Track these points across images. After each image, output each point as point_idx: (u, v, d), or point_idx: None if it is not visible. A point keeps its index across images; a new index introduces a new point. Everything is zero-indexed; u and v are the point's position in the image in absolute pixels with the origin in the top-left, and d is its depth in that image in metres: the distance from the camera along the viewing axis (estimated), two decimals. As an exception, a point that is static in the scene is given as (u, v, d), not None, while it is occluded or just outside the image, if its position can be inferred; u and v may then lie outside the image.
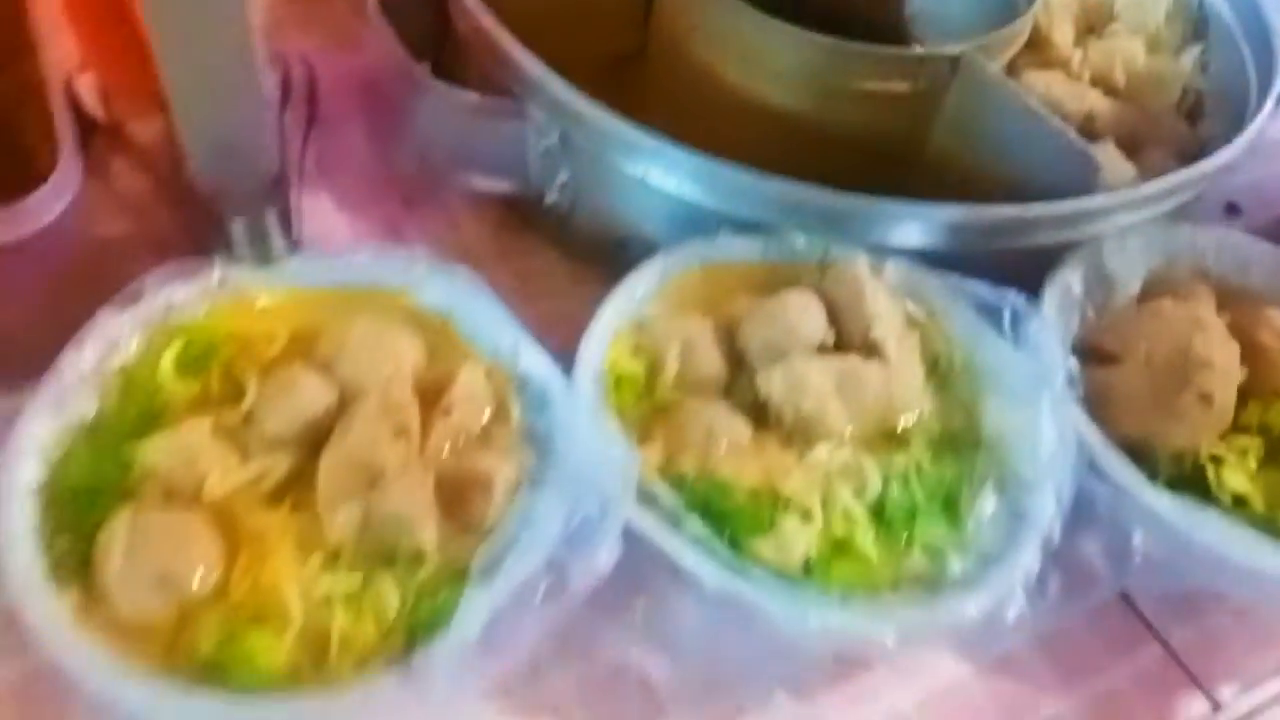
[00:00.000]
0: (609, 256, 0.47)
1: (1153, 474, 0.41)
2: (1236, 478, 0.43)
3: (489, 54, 0.50)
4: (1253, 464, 0.44)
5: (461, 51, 0.53)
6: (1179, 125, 0.61)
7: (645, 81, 0.59)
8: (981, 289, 0.43)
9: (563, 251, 0.54)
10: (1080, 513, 0.40)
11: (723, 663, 0.39)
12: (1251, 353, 0.45)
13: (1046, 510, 0.38)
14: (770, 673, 0.39)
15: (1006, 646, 0.39)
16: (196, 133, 0.40)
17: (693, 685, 0.40)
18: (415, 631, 0.34)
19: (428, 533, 0.35)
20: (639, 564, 0.37)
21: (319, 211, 0.53)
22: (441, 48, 0.54)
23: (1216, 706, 0.43)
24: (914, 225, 0.46)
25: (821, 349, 0.42)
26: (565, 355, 0.40)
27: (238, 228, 0.41)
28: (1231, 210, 0.63)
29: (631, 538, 0.36)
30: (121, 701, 0.31)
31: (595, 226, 0.51)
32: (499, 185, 0.52)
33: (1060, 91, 0.59)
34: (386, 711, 0.33)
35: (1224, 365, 0.43)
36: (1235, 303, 0.47)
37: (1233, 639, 0.45)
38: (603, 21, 0.60)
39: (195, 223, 0.41)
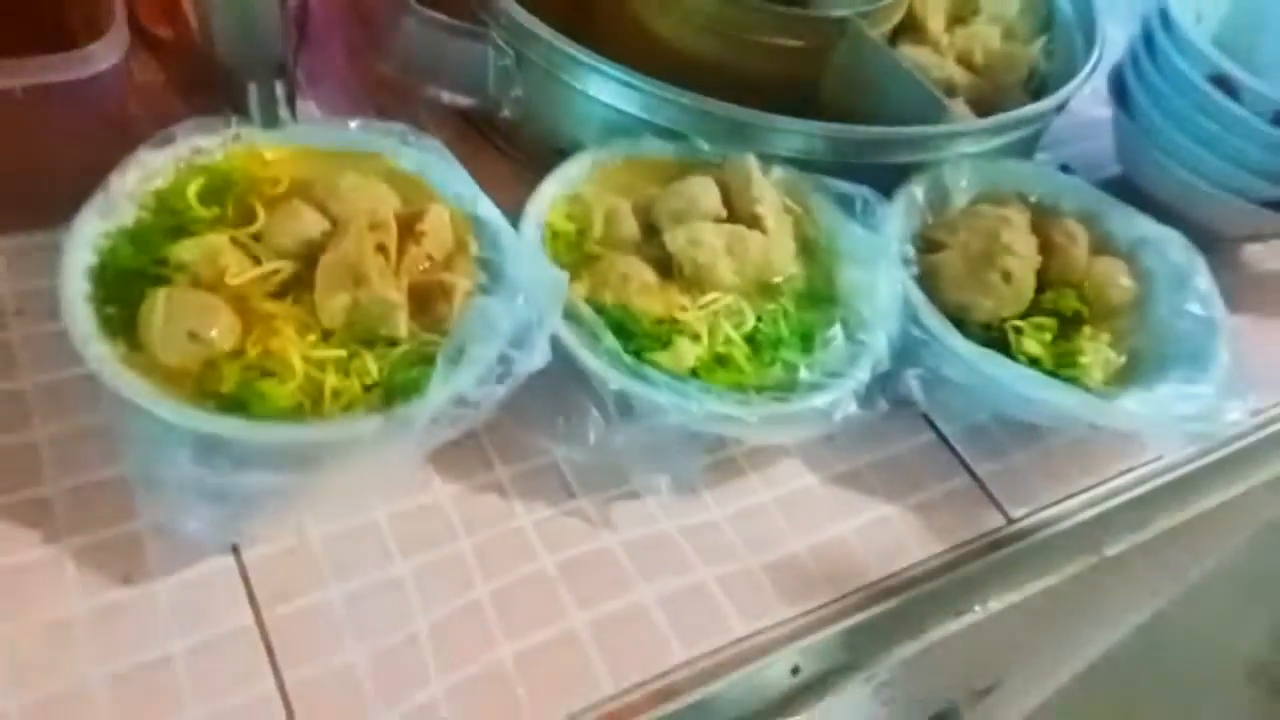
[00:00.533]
0: (551, 162, 0.58)
1: (968, 336, 0.54)
2: (1032, 344, 0.56)
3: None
4: (1047, 337, 0.57)
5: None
6: (1023, 98, 0.74)
7: (590, 29, 0.70)
8: (841, 184, 0.55)
9: (512, 157, 0.64)
10: (907, 354, 0.52)
11: (622, 456, 0.49)
12: (1048, 250, 0.58)
13: (880, 343, 0.50)
14: (659, 465, 0.50)
15: (837, 433, 0.50)
16: (224, 18, 0.49)
17: (599, 473, 0.50)
18: (393, 395, 0.44)
19: (401, 323, 0.45)
20: (563, 389, 0.48)
21: (304, 117, 0.63)
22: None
23: (1009, 520, 0.55)
24: (797, 138, 0.58)
25: (716, 219, 0.53)
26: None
27: (251, 94, 0.51)
28: (1065, 170, 0.76)
29: (557, 366, 0.46)
30: (163, 418, 0.41)
31: (541, 135, 0.62)
32: (461, 99, 0.63)
33: (927, 61, 0.72)
34: (369, 448, 0.43)
35: (1023, 251, 0.55)
36: (1043, 216, 0.60)
37: (1028, 474, 0.57)
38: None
39: (216, 90, 0.51)
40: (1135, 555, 0.72)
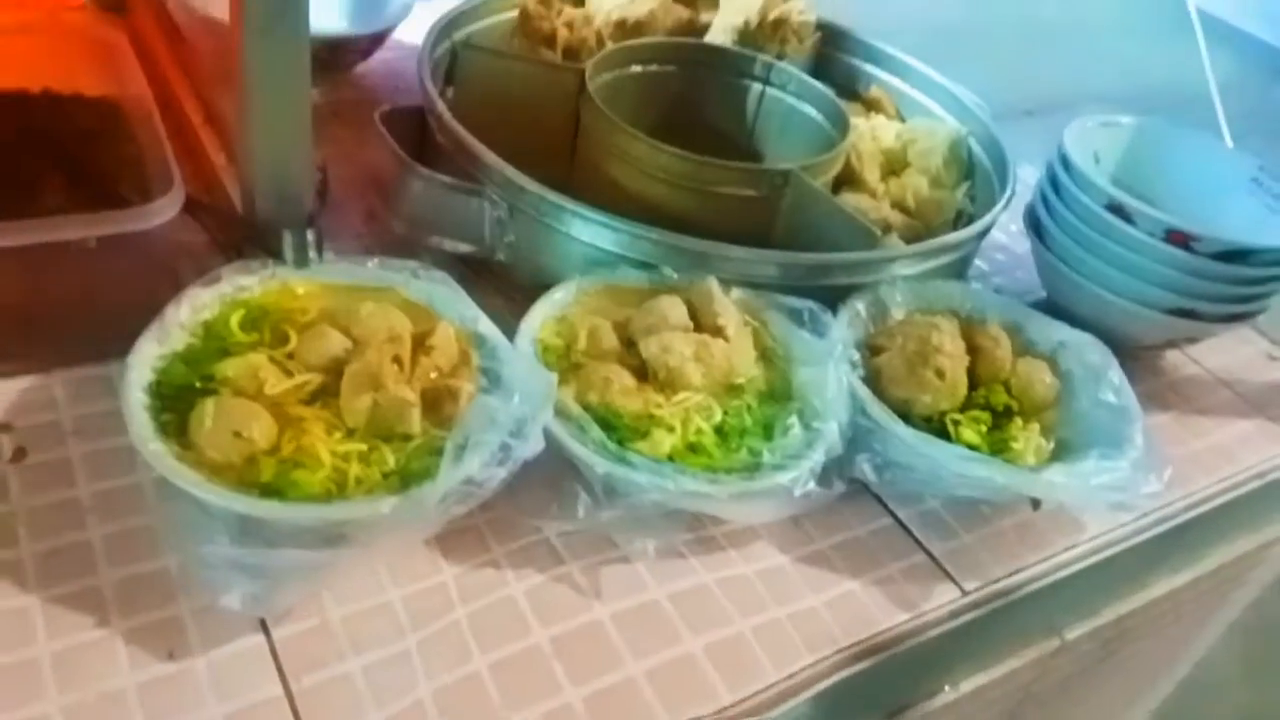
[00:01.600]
0: (539, 295, 0.66)
1: (911, 428, 0.61)
2: (969, 434, 0.63)
3: (459, 151, 0.71)
4: (983, 427, 0.64)
5: (435, 149, 0.74)
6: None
7: (568, 182, 0.80)
8: (791, 300, 0.64)
9: (506, 296, 0.73)
10: (858, 442, 0.60)
11: (608, 529, 0.56)
12: (976, 352, 0.66)
13: (832, 430, 0.58)
14: (645, 536, 0.56)
15: (801, 510, 0.56)
16: (267, 183, 0.59)
17: (587, 543, 0.56)
18: (408, 481, 0.50)
19: (415, 420, 0.52)
20: (553, 479, 0.55)
21: (328, 258, 0.72)
22: (420, 148, 0.75)
23: (964, 593, 0.61)
24: (753, 265, 0.67)
25: (685, 331, 0.61)
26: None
27: (286, 241, 0.60)
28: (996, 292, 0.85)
29: (546, 459, 0.53)
30: (211, 503, 0.47)
31: (531, 272, 0.71)
32: (461, 247, 0.72)
33: (866, 205, 0.82)
34: (385, 527, 0.49)
35: (953, 352, 0.63)
36: (971, 325, 0.69)
37: (977, 552, 0.63)
38: (540, 137, 0.81)
39: (251, 242, 0.60)
40: (1099, 657, 0.77)
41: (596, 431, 0.55)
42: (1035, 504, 0.66)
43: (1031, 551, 0.65)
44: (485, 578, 0.55)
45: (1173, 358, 0.84)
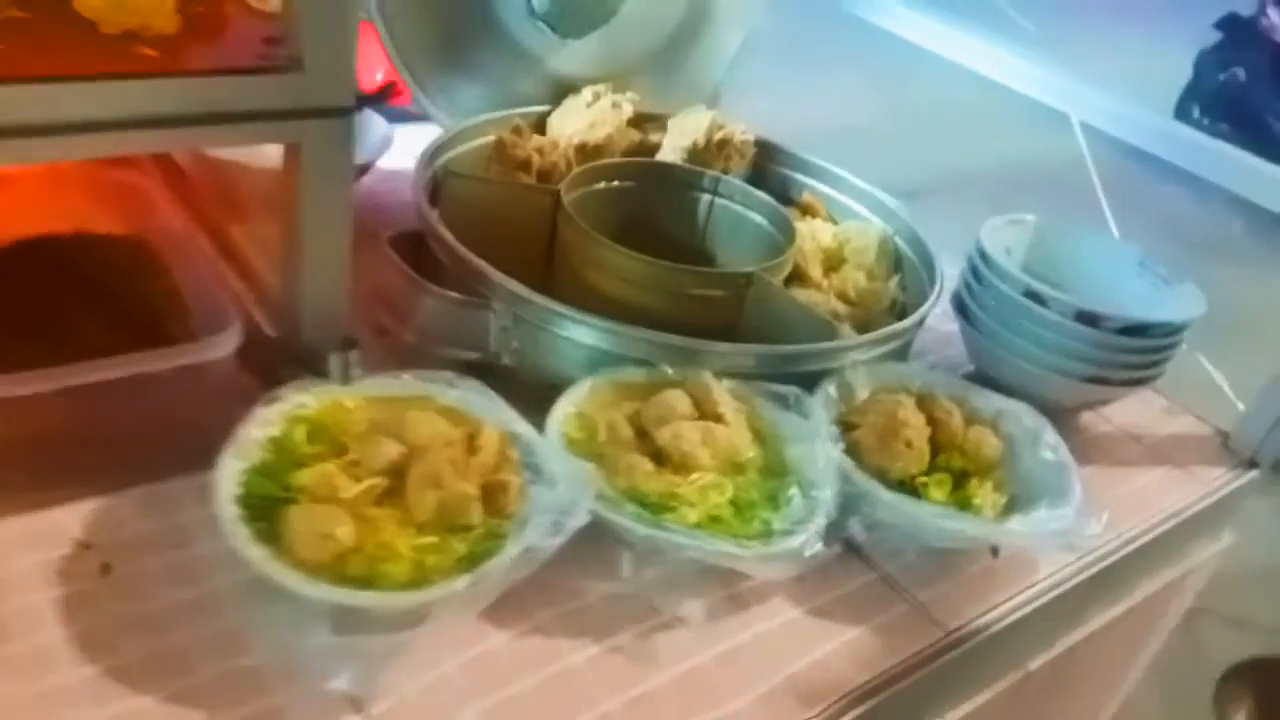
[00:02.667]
0: (540, 394, 0.75)
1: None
2: (937, 494, 0.73)
3: (461, 268, 0.79)
4: (947, 487, 0.74)
5: (432, 267, 0.82)
6: (889, 321, 0.96)
7: (555, 291, 0.89)
8: (775, 386, 0.74)
9: (513, 398, 0.80)
10: (847, 507, 0.69)
11: (650, 588, 0.63)
12: (933, 423, 0.76)
13: (827, 497, 0.67)
14: (686, 594, 0.63)
15: (807, 568, 0.65)
16: (313, 316, 0.66)
17: (627, 604, 0.64)
18: (476, 563, 0.57)
19: (476, 512, 0.59)
20: (593, 548, 0.63)
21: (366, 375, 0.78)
22: (419, 266, 0.83)
23: (946, 633, 0.70)
24: (735, 357, 0.76)
25: (690, 419, 0.70)
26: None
27: (332, 363, 0.67)
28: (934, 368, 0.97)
29: (581, 537, 0.60)
30: (308, 596, 0.53)
31: (535, 377, 0.78)
32: (468, 354, 0.80)
33: (815, 299, 0.93)
34: (460, 603, 0.56)
35: (916, 425, 0.74)
36: (924, 399, 0.79)
37: (954, 597, 0.73)
38: (519, 251, 0.89)
39: (305, 362, 0.67)
40: (1054, 686, 0.87)
41: (631, 507, 0.63)
42: (995, 552, 0.76)
43: (998, 593, 0.74)
44: (535, 644, 0.62)
45: (1088, 418, 0.96)
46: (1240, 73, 4.38)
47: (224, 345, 0.62)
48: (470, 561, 0.57)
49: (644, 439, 0.70)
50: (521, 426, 0.66)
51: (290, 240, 0.65)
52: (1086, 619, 0.86)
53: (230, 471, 0.58)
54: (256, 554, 0.54)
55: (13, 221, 0.73)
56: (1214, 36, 4.33)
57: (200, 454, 0.62)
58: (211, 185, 0.84)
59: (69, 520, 0.63)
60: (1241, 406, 0.99)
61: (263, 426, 0.62)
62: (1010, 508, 0.75)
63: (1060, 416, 0.90)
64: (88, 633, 0.57)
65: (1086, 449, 0.92)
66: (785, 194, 1.10)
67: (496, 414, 0.67)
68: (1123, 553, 0.83)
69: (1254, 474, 0.95)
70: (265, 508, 0.58)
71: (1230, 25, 4.33)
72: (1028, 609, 0.74)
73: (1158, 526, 0.86)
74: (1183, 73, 4.22)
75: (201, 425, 0.64)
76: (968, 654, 0.71)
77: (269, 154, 0.65)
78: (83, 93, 0.53)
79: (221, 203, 0.82)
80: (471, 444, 0.63)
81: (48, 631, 0.57)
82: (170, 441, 0.66)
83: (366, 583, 0.55)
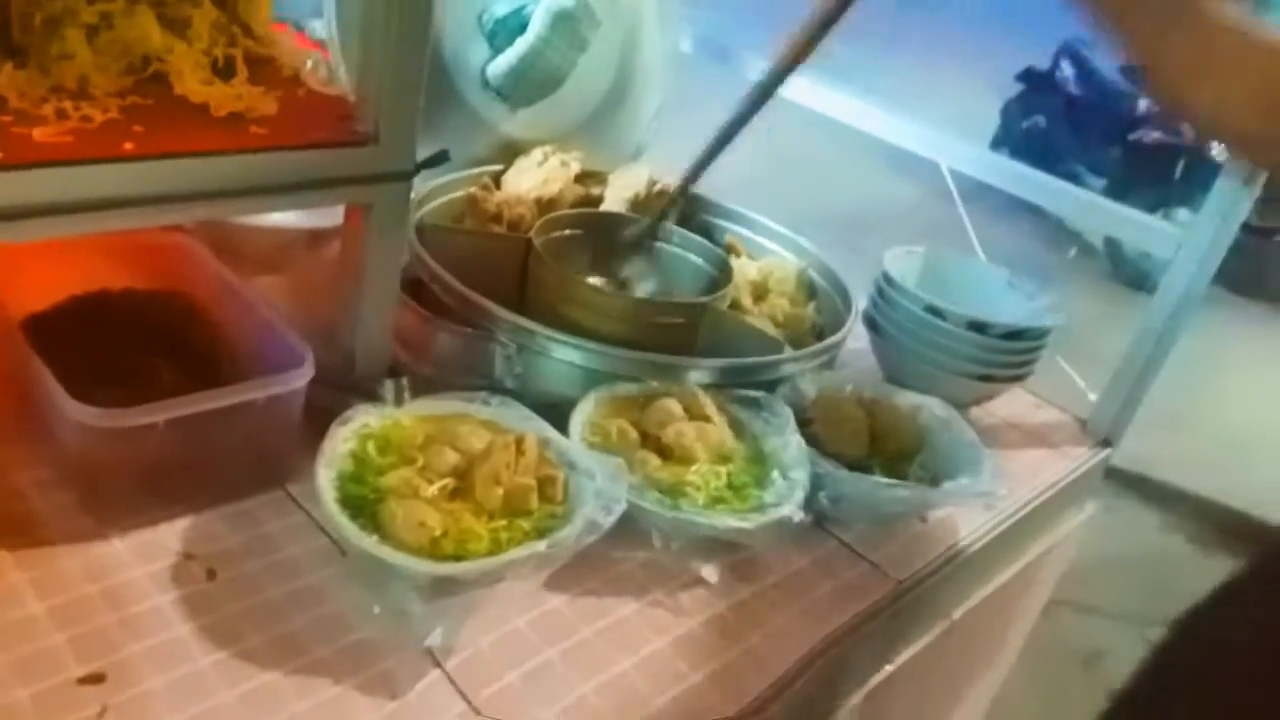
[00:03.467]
0: (544, 416, 0.87)
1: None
2: (880, 472, 0.90)
3: (465, 306, 0.91)
4: (886, 468, 0.91)
5: (433, 307, 0.94)
6: (813, 340, 1.14)
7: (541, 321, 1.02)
8: (747, 392, 0.89)
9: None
10: (813, 485, 0.85)
11: (674, 556, 0.77)
12: (870, 416, 0.94)
13: (804, 476, 0.82)
14: (700, 562, 0.78)
15: (789, 538, 0.80)
16: (371, 344, 0.78)
17: (658, 570, 0.78)
18: (541, 537, 0.70)
19: (534, 500, 0.72)
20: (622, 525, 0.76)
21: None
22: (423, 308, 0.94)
23: (899, 583, 0.87)
24: (705, 372, 0.91)
25: (685, 420, 0.85)
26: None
27: (387, 388, 0.78)
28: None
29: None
30: (407, 570, 0.64)
31: (535, 397, 0.91)
32: (478, 381, 0.92)
33: (755, 322, 1.10)
34: (536, 565, 0.68)
35: (858, 418, 0.91)
36: (858, 398, 0.96)
37: (899, 554, 0.89)
38: (494, 289, 1.02)
39: (365, 389, 0.78)
40: (970, 636, 1.04)
41: (653, 494, 0.77)
42: (923, 518, 0.93)
43: (932, 550, 0.92)
44: (589, 603, 0.75)
45: (976, 412, 1.16)
46: (1041, 120, 4.94)
47: (303, 376, 0.73)
48: (537, 535, 0.70)
49: (647, 440, 0.84)
50: (552, 433, 0.79)
51: (351, 285, 0.76)
52: (992, 575, 1.04)
53: (324, 480, 0.69)
54: (369, 542, 0.65)
55: (71, 279, 0.81)
56: (1016, 88, 4.88)
57: (268, 476, 0.73)
58: (229, 244, 0.94)
59: (168, 537, 0.72)
60: (1093, 398, 1.21)
61: (342, 442, 0.73)
62: (936, 480, 0.92)
63: (960, 411, 1.10)
64: (210, 626, 0.66)
65: (981, 436, 1.12)
66: (710, 235, 1.27)
67: (529, 424, 0.80)
68: (1018, 515, 1.01)
69: (1108, 451, 1.17)
70: (359, 507, 0.69)
71: (1030, 78, 4.88)
72: (956, 562, 0.92)
73: (1043, 494, 1.05)
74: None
75: (268, 450, 0.74)
76: (913, 600, 0.87)
77: (277, 216, 0.76)
78: (207, 166, 0.63)
79: (241, 258, 0.92)
80: (519, 448, 0.76)
81: (175, 628, 0.66)
82: (244, 465, 0.75)
83: (456, 558, 0.67)
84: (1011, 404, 1.19)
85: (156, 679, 0.62)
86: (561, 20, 1.18)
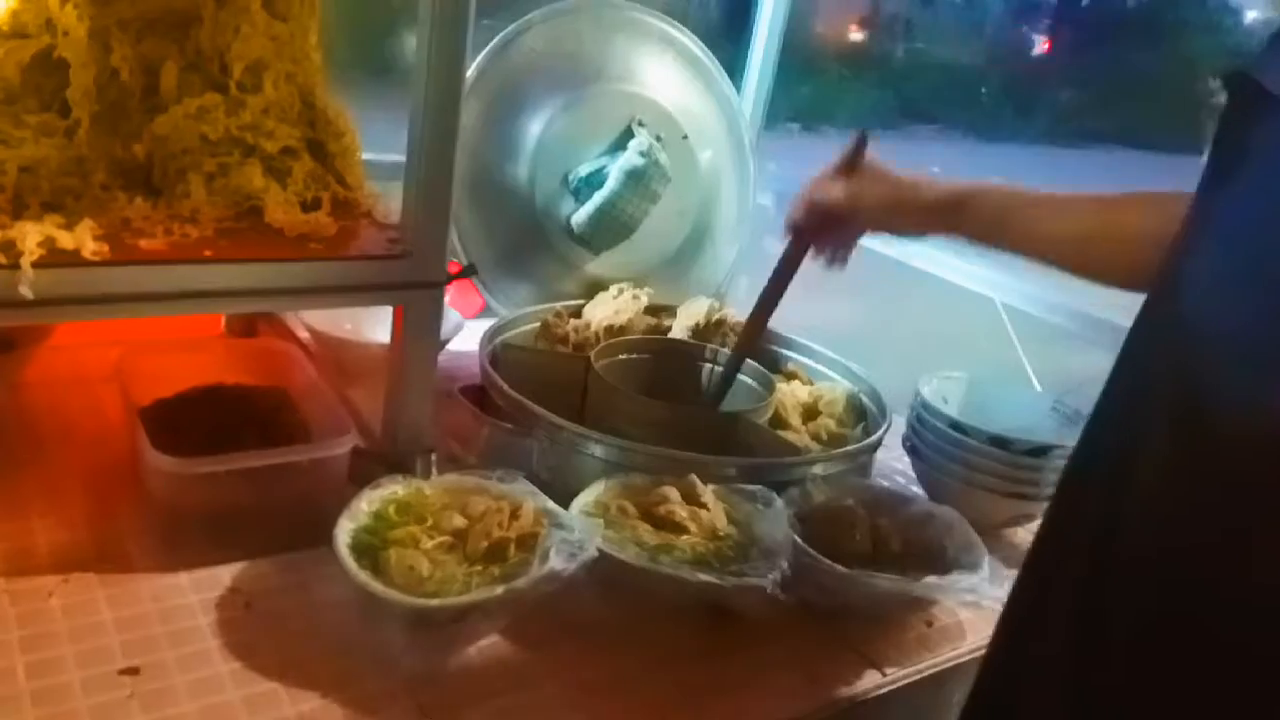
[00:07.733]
0: (564, 500, 0.98)
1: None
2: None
3: (515, 409, 1.05)
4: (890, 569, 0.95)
5: (489, 411, 1.08)
6: (856, 457, 1.19)
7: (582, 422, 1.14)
8: (747, 487, 0.97)
9: (547, 506, 1.04)
10: (803, 573, 0.90)
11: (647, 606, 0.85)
12: (875, 519, 0.98)
13: (781, 560, 0.88)
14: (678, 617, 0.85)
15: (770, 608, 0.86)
16: (409, 425, 0.93)
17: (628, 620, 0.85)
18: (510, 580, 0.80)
19: (511, 551, 0.82)
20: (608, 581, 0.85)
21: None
22: (483, 412, 1.09)
23: (884, 674, 0.89)
24: (719, 467, 1.00)
25: (679, 504, 0.93)
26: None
27: (417, 462, 0.92)
28: (893, 499, 1.19)
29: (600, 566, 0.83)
30: (386, 602, 0.76)
31: (564, 486, 1.02)
32: (513, 471, 1.04)
33: (792, 438, 1.17)
34: (496, 606, 0.77)
35: (855, 518, 0.96)
36: (872, 504, 1.01)
37: (890, 652, 0.92)
38: (558, 403, 1.15)
39: (393, 462, 0.92)
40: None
41: (632, 548, 0.86)
42: (928, 622, 0.96)
43: (928, 653, 0.94)
44: (562, 655, 0.83)
45: (1021, 534, 1.16)
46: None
47: (347, 443, 0.88)
48: (503, 580, 0.80)
49: (645, 518, 0.93)
50: (551, 505, 0.90)
51: (394, 374, 0.92)
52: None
53: (344, 530, 0.83)
54: (364, 577, 0.78)
55: (197, 374, 1.01)
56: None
57: (316, 533, 0.87)
58: (331, 353, 1.13)
59: (223, 575, 0.87)
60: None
61: (368, 504, 0.87)
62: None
63: (991, 533, 1.11)
64: (235, 643, 0.80)
65: (1013, 556, 1.12)
66: (774, 364, 1.37)
67: (534, 499, 0.91)
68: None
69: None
70: (368, 553, 0.81)
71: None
72: (955, 663, 0.93)
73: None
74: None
75: (317, 508, 0.89)
76: (895, 692, 0.89)
77: (375, 336, 0.92)
78: (277, 270, 0.82)
79: (333, 367, 1.11)
80: (515, 513, 0.87)
81: (207, 641, 0.80)
82: (296, 521, 0.90)
83: (439, 594, 0.78)
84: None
85: (180, 677, 0.75)
86: (633, 176, 1.36)
